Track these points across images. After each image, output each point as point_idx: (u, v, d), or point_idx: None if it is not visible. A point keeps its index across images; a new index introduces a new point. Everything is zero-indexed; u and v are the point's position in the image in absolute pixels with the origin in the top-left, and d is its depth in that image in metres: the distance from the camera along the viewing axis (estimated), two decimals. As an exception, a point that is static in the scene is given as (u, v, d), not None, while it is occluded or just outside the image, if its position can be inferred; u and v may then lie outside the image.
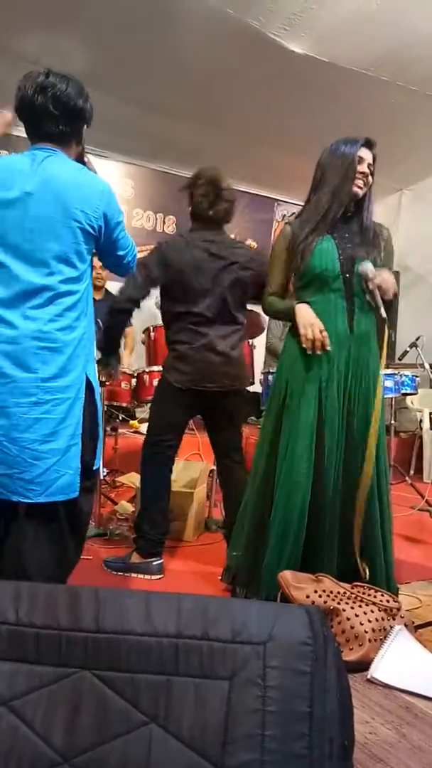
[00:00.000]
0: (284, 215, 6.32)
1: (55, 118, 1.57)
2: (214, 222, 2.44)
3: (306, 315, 1.93)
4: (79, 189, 1.56)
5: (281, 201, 6.41)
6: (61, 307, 1.53)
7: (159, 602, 0.92)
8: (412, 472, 4.74)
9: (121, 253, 1.71)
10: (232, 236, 2.69)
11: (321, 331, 1.90)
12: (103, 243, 1.65)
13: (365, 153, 1.97)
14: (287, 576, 1.79)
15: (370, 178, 1.98)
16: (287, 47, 3.80)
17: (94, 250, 1.66)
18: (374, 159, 2.00)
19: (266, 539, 1.92)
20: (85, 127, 1.66)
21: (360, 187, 1.96)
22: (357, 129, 2.03)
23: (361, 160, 1.96)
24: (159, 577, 2.40)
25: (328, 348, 1.91)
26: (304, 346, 1.92)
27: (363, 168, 1.96)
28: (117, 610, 0.91)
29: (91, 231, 1.58)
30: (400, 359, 4.69)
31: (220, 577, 2.21)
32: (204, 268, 2.39)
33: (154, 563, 2.40)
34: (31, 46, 3.94)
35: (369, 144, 1.99)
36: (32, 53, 3.98)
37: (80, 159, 1.72)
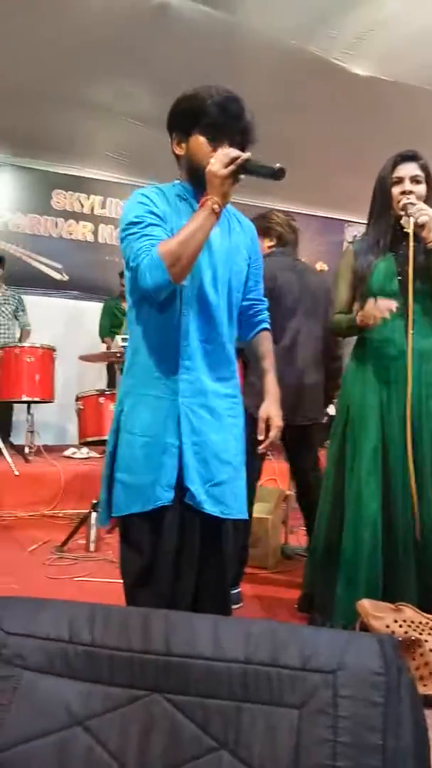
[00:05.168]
0: (355, 235, 6.27)
1: None
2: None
3: (367, 309, 1.85)
4: None
5: (351, 222, 6.36)
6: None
7: (228, 626, 0.92)
8: None
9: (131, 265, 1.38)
10: (303, 260, 2.70)
11: (378, 303, 1.80)
12: None
13: (404, 170, 1.88)
14: (366, 605, 1.73)
15: (414, 195, 1.85)
16: (350, 71, 3.82)
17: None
18: (424, 168, 1.89)
19: (339, 563, 1.88)
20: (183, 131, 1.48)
21: (404, 210, 1.83)
22: (420, 146, 1.99)
23: (399, 180, 1.88)
24: (237, 606, 2.37)
25: (393, 308, 1.80)
26: (370, 322, 1.83)
27: (403, 187, 1.87)
28: (186, 633, 0.92)
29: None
30: None
31: (296, 606, 2.17)
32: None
33: (233, 592, 2.39)
34: (105, 95, 4.21)
35: (406, 158, 1.89)
36: (106, 102, 4.25)
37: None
